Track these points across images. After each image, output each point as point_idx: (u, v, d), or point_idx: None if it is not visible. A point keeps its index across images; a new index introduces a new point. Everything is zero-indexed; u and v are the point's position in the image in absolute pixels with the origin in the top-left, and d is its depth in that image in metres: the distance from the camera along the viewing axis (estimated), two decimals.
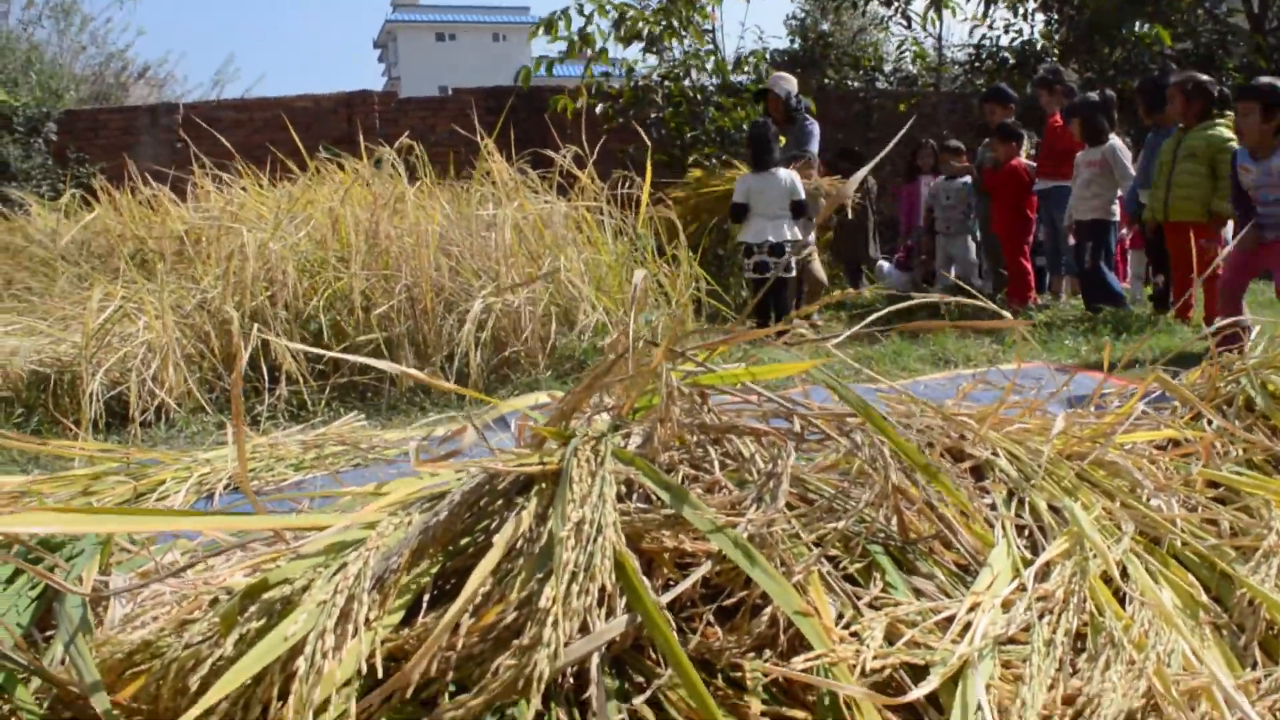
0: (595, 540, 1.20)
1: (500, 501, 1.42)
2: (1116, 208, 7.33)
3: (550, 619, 1.12)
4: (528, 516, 1.29)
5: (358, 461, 3.58)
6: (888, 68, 14.32)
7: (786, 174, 6.88)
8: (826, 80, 12.48)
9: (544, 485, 1.36)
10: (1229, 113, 6.43)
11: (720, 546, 1.28)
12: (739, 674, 1.31)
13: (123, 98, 17.23)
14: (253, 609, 1.25)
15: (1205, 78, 6.66)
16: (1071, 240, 7.62)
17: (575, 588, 1.15)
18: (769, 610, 1.32)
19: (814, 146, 7.80)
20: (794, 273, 7.05)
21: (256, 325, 4.69)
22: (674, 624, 1.24)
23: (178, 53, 65.30)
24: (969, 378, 4.88)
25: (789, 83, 8.07)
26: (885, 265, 9.52)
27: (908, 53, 14.50)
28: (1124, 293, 7.53)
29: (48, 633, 1.58)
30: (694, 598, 1.34)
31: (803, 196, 6.90)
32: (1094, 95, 7.49)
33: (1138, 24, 12.59)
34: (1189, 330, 6.32)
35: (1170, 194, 6.44)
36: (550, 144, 7.37)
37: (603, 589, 1.17)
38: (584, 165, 6.00)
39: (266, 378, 4.61)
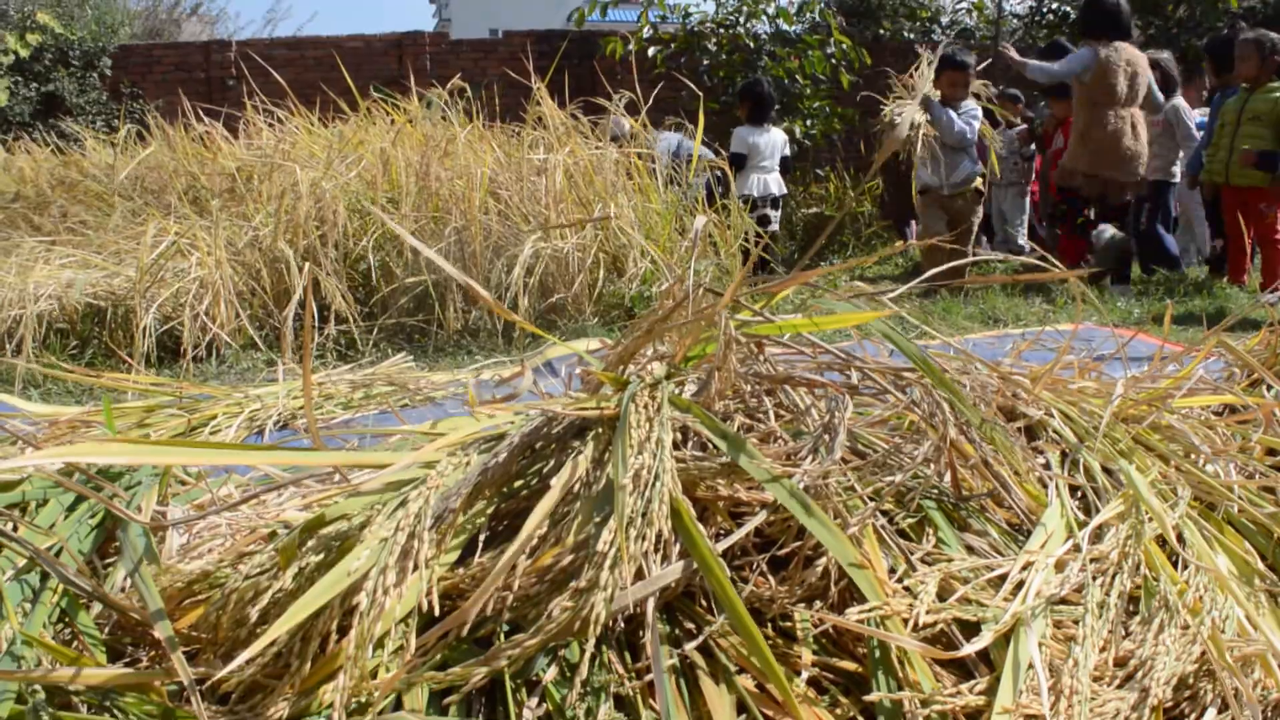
0: (653, 486, 1.20)
1: (555, 445, 1.42)
2: (1177, 169, 7.18)
3: (608, 562, 1.12)
4: (584, 461, 1.29)
5: (405, 402, 3.60)
6: (944, 20, 14.05)
7: (779, 131, 7.43)
8: (882, 31, 12.28)
9: (600, 430, 1.36)
10: None
11: (776, 496, 1.28)
12: (789, 624, 1.31)
13: (175, 34, 17.29)
14: (311, 543, 1.26)
15: (1273, 34, 6.46)
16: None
17: (633, 533, 1.15)
18: (822, 562, 1.32)
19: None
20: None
21: (308, 264, 4.72)
22: (727, 572, 1.24)
23: None
24: (1019, 337, 4.83)
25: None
26: None
27: (965, 4, 14.22)
28: (1179, 255, 7.41)
29: (106, 561, 1.62)
30: (746, 547, 1.34)
31: (788, 153, 7.48)
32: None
33: None
34: (1244, 295, 6.21)
35: (1233, 157, 6.28)
36: (601, 90, 7.32)
37: (659, 535, 1.18)
38: (636, 112, 5.96)
39: (316, 317, 4.65)
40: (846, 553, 1.25)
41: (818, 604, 1.32)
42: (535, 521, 1.18)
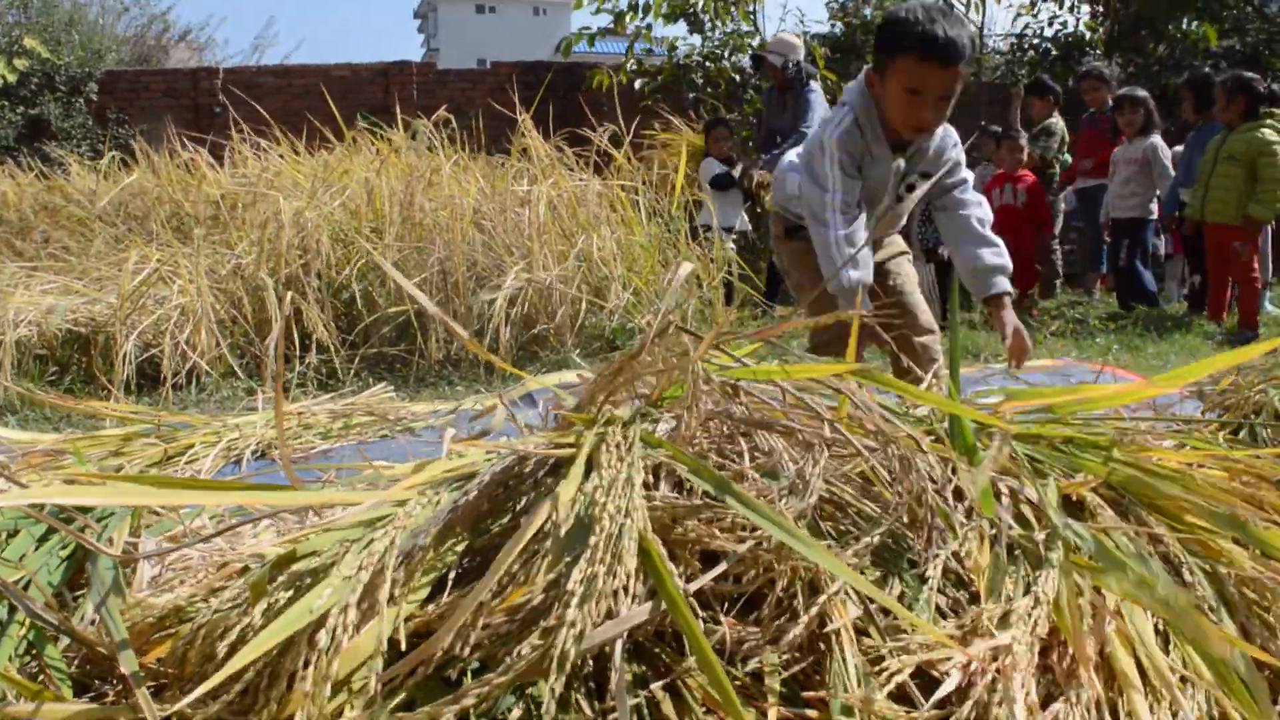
0: (623, 526, 1.21)
1: (528, 482, 1.42)
2: (1154, 206, 7.27)
3: (576, 600, 1.13)
4: (555, 499, 1.29)
5: (385, 433, 3.60)
6: None
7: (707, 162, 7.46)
8: (867, 65, 12.40)
9: (572, 468, 1.37)
10: (1278, 111, 6.34)
11: (762, 525, 1.28)
12: (758, 667, 1.31)
13: (163, 60, 17.33)
14: (281, 579, 1.26)
15: (1251, 75, 6.56)
16: (1107, 238, 7.57)
17: (602, 571, 1.16)
18: (792, 605, 1.33)
19: (813, 119, 6.87)
20: None
21: (290, 293, 4.72)
22: (696, 612, 1.25)
23: (219, 16, 65.39)
24: (999, 372, 4.86)
25: (788, 47, 7.38)
26: None
27: None
28: (1158, 292, 7.49)
29: (77, 593, 1.61)
30: (718, 589, 1.34)
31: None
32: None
33: (1185, 20, 12.42)
34: (1223, 332, 6.26)
35: (1208, 194, 6.38)
36: (587, 121, 7.37)
37: (628, 574, 1.18)
38: (620, 144, 6.01)
39: (298, 345, 4.65)
40: (844, 571, 1.25)
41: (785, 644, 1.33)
42: (504, 561, 1.18)
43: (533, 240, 5.03)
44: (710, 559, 1.40)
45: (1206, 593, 1.50)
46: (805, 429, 1.49)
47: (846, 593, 1.37)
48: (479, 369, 4.80)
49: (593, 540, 1.18)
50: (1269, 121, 6.26)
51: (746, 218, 7.48)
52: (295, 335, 4.66)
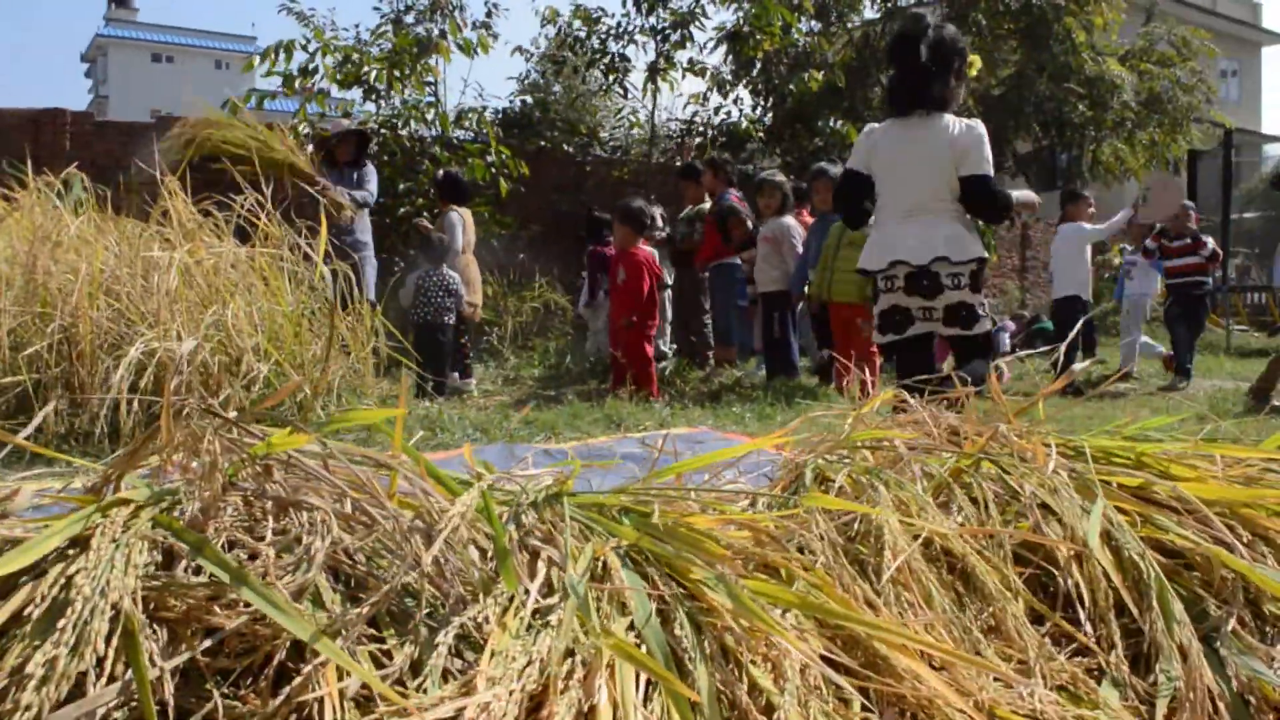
0: (95, 606, 1.23)
1: (32, 567, 1.41)
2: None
3: (33, 683, 1.14)
4: (44, 582, 1.30)
5: None
6: (604, 135, 14.77)
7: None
8: (544, 143, 12.77)
9: (73, 551, 1.37)
10: None
11: (250, 600, 1.33)
12: None
13: None
14: None
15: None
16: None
17: (64, 653, 1.17)
18: (295, 675, 1.38)
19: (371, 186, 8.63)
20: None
21: None
22: (160, 696, 1.27)
23: None
24: (635, 441, 5.12)
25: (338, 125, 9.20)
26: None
27: (625, 122, 15.04)
28: (799, 366, 8.08)
29: None
30: (214, 665, 1.38)
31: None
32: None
33: (832, 120, 13.67)
34: (845, 401, 6.83)
35: (832, 276, 7.00)
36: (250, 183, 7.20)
37: (98, 656, 1.20)
38: (274, 208, 5.89)
39: None
40: (313, 637, 1.31)
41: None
42: None
43: (163, 308, 4.84)
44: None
45: (691, 643, 1.68)
46: (319, 506, 1.55)
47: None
48: (104, 443, 4.56)
49: (61, 623, 1.19)
50: None
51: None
52: None
